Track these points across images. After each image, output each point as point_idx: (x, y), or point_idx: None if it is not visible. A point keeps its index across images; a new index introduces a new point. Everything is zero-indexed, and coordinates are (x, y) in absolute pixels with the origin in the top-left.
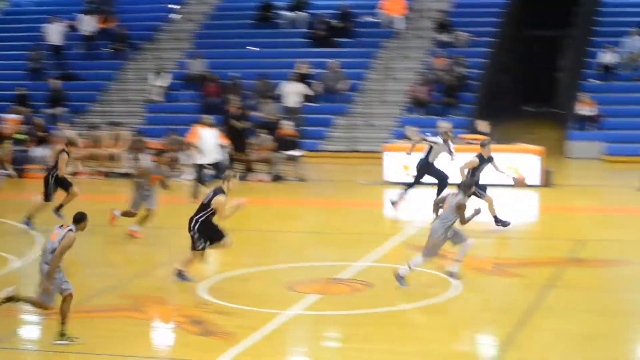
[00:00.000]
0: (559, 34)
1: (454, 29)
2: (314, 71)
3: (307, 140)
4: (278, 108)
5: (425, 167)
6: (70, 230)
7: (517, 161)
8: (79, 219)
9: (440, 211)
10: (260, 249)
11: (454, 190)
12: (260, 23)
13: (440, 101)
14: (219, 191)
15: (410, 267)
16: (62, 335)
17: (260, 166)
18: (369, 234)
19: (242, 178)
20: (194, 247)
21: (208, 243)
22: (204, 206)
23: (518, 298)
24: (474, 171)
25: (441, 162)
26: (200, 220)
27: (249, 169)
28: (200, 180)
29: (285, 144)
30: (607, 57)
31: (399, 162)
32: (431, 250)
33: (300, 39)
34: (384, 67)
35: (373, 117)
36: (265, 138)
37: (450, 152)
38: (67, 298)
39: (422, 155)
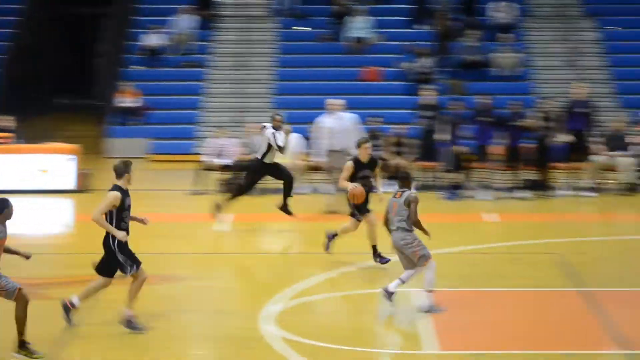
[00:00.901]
0: (98, 12)
1: None
2: None
3: None
4: None
5: (263, 165)
6: None
7: (47, 163)
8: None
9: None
10: None
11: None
12: None
13: None
14: (113, 188)
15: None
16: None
17: None
18: None
19: None
20: (123, 272)
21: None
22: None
23: (45, 325)
24: (352, 179)
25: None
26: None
27: None
28: None
29: None
30: (152, 39)
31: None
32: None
33: None
34: None
35: None
36: None
37: (279, 146)
38: (19, 301)
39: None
